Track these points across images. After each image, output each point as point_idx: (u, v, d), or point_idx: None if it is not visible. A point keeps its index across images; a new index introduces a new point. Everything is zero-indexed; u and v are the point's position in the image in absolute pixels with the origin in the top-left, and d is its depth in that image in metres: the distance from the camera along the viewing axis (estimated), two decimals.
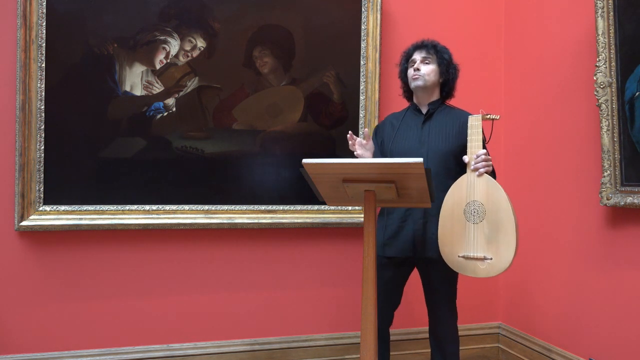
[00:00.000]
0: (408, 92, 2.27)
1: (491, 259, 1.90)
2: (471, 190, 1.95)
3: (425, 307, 2.24)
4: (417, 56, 2.17)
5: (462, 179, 1.99)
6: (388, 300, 2.21)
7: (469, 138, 2.00)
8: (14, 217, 2.39)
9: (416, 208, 2.09)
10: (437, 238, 2.03)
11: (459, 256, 1.96)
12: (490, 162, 1.98)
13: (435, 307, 2.19)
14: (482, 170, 1.94)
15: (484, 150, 1.96)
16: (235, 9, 2.62)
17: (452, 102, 2.26)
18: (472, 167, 1.96)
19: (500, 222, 1.89)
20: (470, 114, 2.05)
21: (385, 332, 2.26)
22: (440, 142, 2.11)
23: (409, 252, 2.11)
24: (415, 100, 2.24)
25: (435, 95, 2.20)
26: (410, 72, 2.17)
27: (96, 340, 2.52)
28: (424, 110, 2.20)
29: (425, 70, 2.14)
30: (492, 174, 2.03)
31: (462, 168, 2.06)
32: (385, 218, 2.20)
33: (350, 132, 2.18)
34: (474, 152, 1.97)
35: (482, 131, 2.01)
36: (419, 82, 2.14)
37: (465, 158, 1.99)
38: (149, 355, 2.57)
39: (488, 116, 2.00)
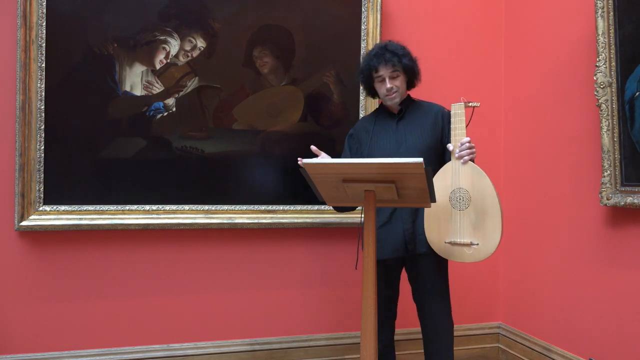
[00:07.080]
0: (374, 93, 2.23)
1: (478, 244, 1.93)
2: (456, 177, 1.97)
3: None
4: (384, 72, 2.09)
5: (447, 167, 2.00)
6: (387, 307, 2.20)
7: (452, 126, 2.00)
8: (14, 217, 2.39)
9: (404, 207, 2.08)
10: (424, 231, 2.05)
11: (445, 242, 1.99)
12: (474, 150, 1.98)
13: (427, 302, 2.13)
14: (466, 157, 1.95)
15: (468, 138, 1.96)
16: (235, 9, 2.62)
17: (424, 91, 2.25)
18: (456, 154, 1.96)
19: (486, 208, 1.92)
20: (438, 105, 2.12)
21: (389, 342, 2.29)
22: (418, 139, 2.11)
23: (401, 252, 2.09)
24: (385, 104, 2.21)
25: (405, 94, 2.19)
26: (383, 91, 2.12)
27: (96, 340, 2.52)
28: (396, 110, 2.19)
29: (397, 86, 2.11)
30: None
31: (442, 161, 2.09)
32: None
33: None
34: (458, 139, 1.97)
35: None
36: (397, 99, 2.13)
37: (450, 146, 1.99)
38: (149, 355, 2.57)
39: (470, 104, 2.01)
